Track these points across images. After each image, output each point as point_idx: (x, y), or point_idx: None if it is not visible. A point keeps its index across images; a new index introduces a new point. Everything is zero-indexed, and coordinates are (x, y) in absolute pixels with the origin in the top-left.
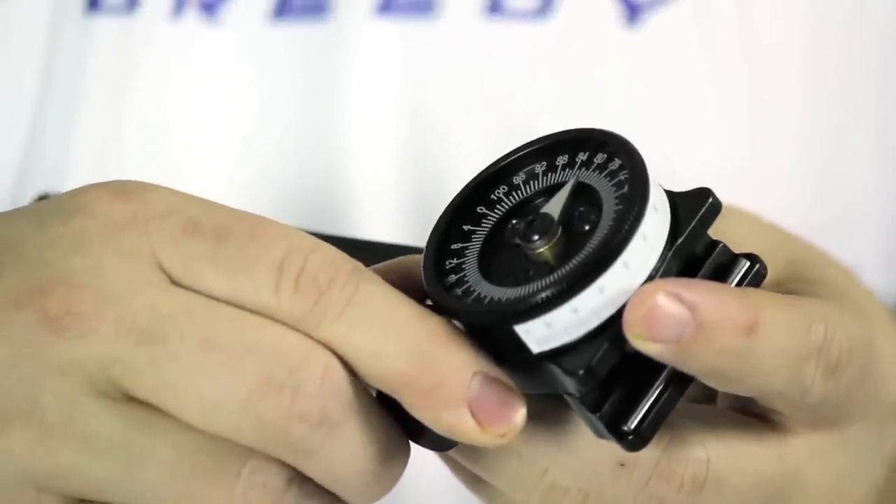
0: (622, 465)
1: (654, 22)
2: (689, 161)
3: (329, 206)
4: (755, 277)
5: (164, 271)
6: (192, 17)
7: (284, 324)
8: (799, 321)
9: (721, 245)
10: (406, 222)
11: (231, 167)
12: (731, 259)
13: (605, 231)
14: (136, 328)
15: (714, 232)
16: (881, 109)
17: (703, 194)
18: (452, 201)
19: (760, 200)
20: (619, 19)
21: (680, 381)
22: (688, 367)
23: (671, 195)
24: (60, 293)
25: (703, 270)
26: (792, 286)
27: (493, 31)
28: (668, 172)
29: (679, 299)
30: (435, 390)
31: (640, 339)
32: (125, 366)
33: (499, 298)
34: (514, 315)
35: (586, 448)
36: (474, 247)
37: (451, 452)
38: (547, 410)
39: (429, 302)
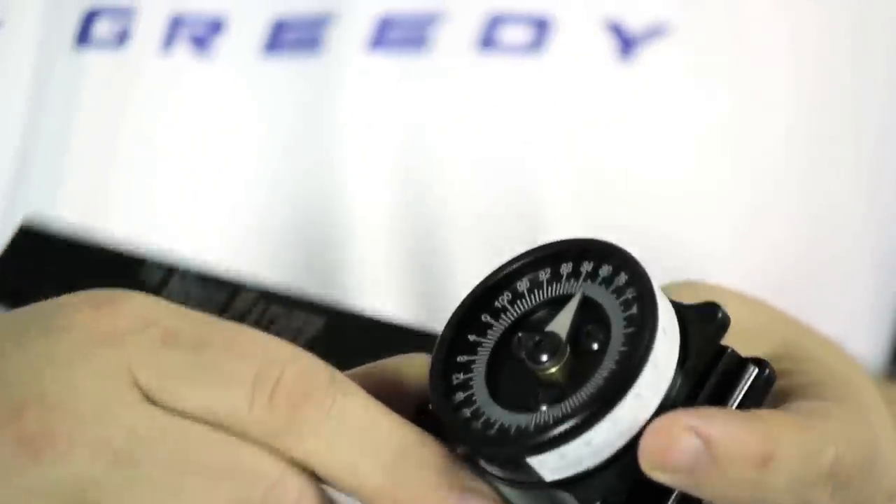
0: None
1: (648, 55)
2: (677, 189)
3: (326, 241)
4: (765, 385)
5: (141, 388)
6: (183, 50)
7: (260, 441)
8: (812, 448)
9: (729, 351)
10: (402, 259)
11: (224, 203)
12: (740, 364)
13: (616, 358)
14: (112, 450)
15: None
16: (860, 140)
17: (711, 311)
18: (457, 311)
19: (745, 232)
20: (613, 53)
21: (689, 502)
22: (700, 495)
23: (678, 308)
24: (35, 414)
25: (710, 380)
26: (783, 366)
27: (486, 66)
28: (657, 203)
29: (695, 433)
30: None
31: (656, 471)
32: (101, 488)
33: (509, 426)
34: (527, 449)
35: None
36: (481, 361)
37: None
38: None
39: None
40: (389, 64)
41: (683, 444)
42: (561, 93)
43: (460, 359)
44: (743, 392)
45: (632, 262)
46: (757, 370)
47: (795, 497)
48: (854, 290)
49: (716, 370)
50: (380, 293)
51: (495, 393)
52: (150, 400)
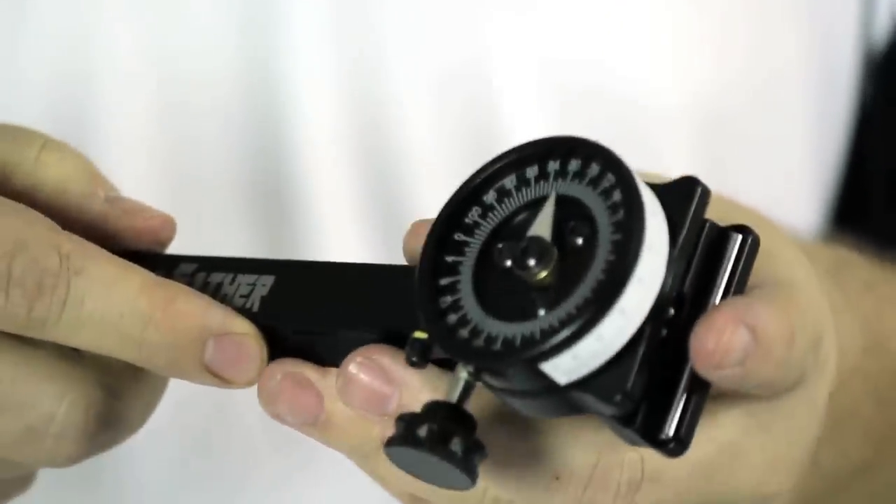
0: (557, 478)
1: None
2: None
3: (277, 180)
4: (752, 249)
5: None
6: None
7: (12, 331)
8: (808, 318)
9: (709, 223)
10: (360, 192)
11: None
12: (722, 234)
13: (609, 248)
14: None
15: None
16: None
17: (689, 184)
18: (430, 235)
19: (690, 75)
20: None
21: (702, 380)
22: (744, 386)
23: (656, 190)
24: None
25: (698, 253)
26: None
27: None
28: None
29: (745, 324)
30: (172, 366)
31: (714, 371)
32: None
33: (512, 337)
34: (539, 355)
35: (522, 465)
36: (465, 279)
37: (389, 474)
38: (481, 428)
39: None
40: None
41: (738, 339)
42: None
43: (443, 281)
44: (731, 261)
45: (603, 151)
46: (741, 237)
47: (801, 367)
48: (793, 143)
49: (701, 243)
50: (342, 235)
51: (488, 308)
52: None
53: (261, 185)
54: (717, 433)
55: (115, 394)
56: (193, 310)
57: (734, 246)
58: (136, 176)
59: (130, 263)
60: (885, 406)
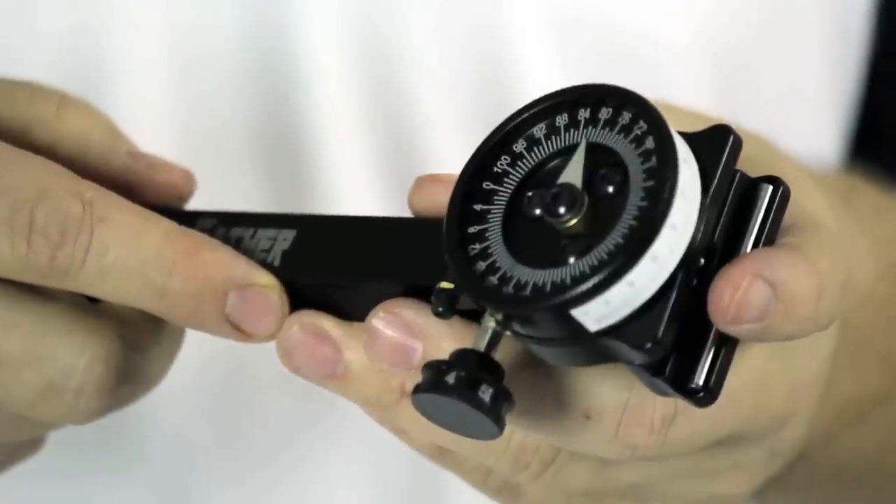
0: (588, 417)
1: None
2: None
3: (293, 144)
4: (782, 201)
5: None
6: None
7: (32, 282)
8: (840, 268)
9: (739, 174)
10: (376, 151)
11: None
12: (752, 185)
13: (641, 195)
14: None
15: None
16: None
17: (722, 133)
18: (458, 184)
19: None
20: None
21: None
22: (767, 340)
23: (688, 138)
24: None
25: (728, 204)
26: None
27: None
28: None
29: (763, 279)
30: (193, 316)
31: (732, 325)
32: None
33: (543, 283)
34: (570, 300)
35: (551, 406)
36: (494, 227)
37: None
38: (508, 376)
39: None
40: None
41: (756, 294)
42: None
43: (472, 230)
44: (762, 212)
45: (635, 98)
46: (772, 188)
47: (832, 316)
48: (810, 76)
49: (731, 195)
50: (357, 192)
51: (517, 255)
52: None
53: (276, 142)
54: (743, 361)
55: (135, 346)
56: (217, 260)
57: (765, 197)
58: (150, 133)
59: (153, 213)
60: None
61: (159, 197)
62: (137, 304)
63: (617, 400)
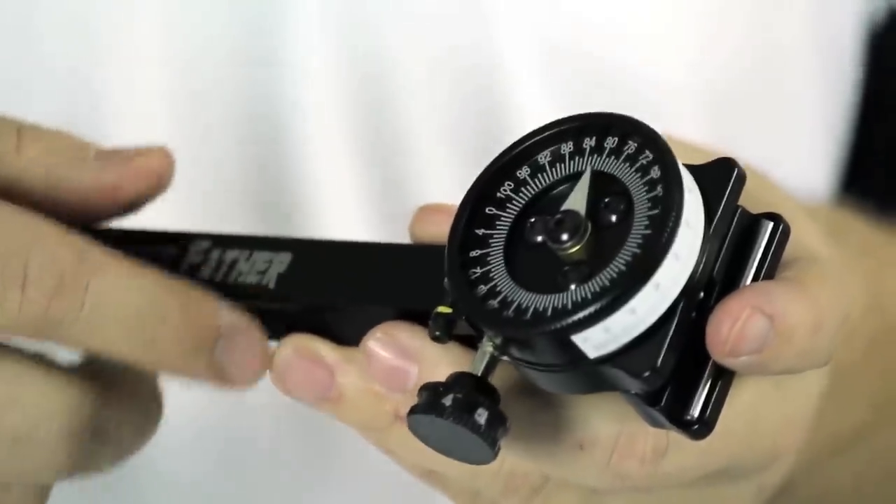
0: (581, 447)
1: None
2: (630, 26)
3: (281, 174)
4: (782, 238)
5: None
6: None
7: (24, 334)
8: (840, 303)
9: (740, 209)
10: (365, 173)
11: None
12: (753, 221)
13: (646, 223)
14: None
15: None
16: None
17: (726, 166)
18: (461, 208)
19: (692, 41)
20: None
21: None
22: (764, 373)
23: (693, 171)
24: None
25: (729, 238)
26: None
27: None
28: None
29: (762, 312)
30: (181, 364)
31: (729, 358)
32: None
33: (543, 308)
34: (570, 327)
35: (545, 435)
36: (496, 251)
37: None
38: (503, 401)
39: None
40: None
41: (754, 327)
42: None
43: (474, 253)
44: (762, 248)
45: (642, 128)
46: (772, 224)
47: (830, 350)
48: (802, 112)
49: (732, 230)
50: (346, 216)
51: (519, 280)
52: None
53: (263, 168)
54: (735, 397)
55: (108, 404)
56: (206, 309)
57: (765, 233)
58: None
59: (143, 263)
60: (884, 369)
61: (143, 190)
62: (127, 354)
63: (610, 430)
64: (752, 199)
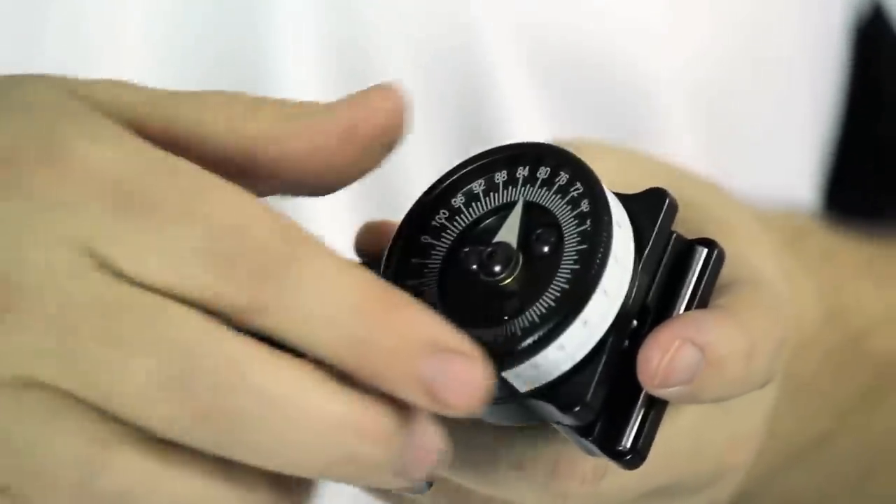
0: (521, 468)
1: None
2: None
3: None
4: (716, 264)
5: (96, 257)
6: None
7: (224, 315)
8: (775, 328)
9: (675, 235)
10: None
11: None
12: (688, 247)
13: (575, 257)
14: (59, 323)
15: None
16: None
17: (658, 196)
18: (396, 237)
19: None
20: None
21: None
22: (697, 402)
23: (624, 200)
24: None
25: (663, 265)
26: None
27: None
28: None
29: (692, 343)
30: (384, 371)
31: (660, 388)
32: (46, 360)
33: (476, 340)
34: (503, 363)
35: (483, 458)
36: (430, 282)
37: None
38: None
39: None
40: None
41: (684, 358)
42: None
43: (410, 282)
44: (696, 275)
45: (572, 160)
46: (706, 251)
47: (767, 375)
48: (792, 109)
49: (666, 256)
50: (332, 211)
51: (451, 312)
52: (108, 269)
53: None
54: (678, 418)
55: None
56: (420, 319)
57: (699, 260)
58: None
59: (352, 260)
60: (843, 377)
61: (382, 130)
62: (327, 352)
63: (549, 452)
64: (700, 211)
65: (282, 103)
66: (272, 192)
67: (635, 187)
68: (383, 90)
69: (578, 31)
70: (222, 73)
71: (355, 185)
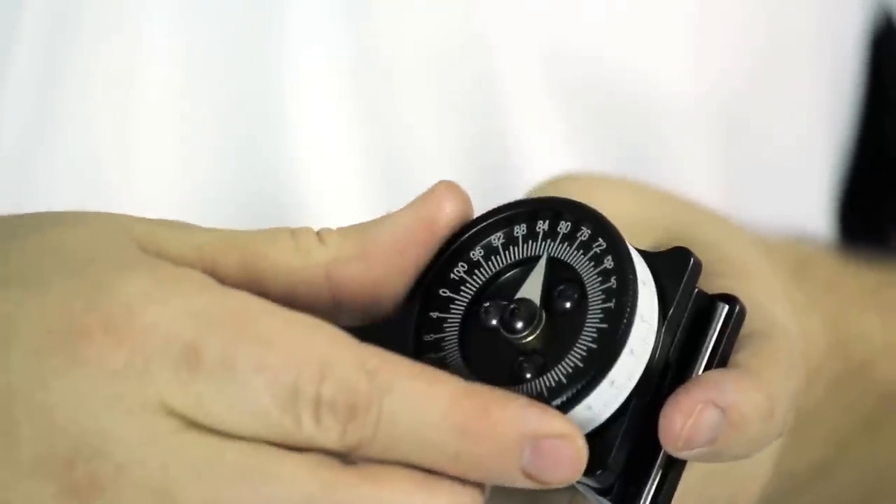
0: None
1: None
2: (630, 26)
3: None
4: (737, 321)
5: (178, 415)
6: None
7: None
8: (791, 382)
9: (697, 290)
10: (366, 182)
11: (169, 154)
12: (709, 303)
13: (600, 316)
14: (154, 487)
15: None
16: None
17: (682, 256)
18: (414, 289)
19: (695, 63)
20: None
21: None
22: (718, 461)
23: (648, 258)
24: (80, 464)
25: (684, 322)
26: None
27: None
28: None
29: (714, 405)
30: (489, 474)
31: (682, 451)
32: None
33: None
34: None
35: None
36: (451, 337)
37: None
38: None
39: None
40: None
41: (706, 420)
42: None
43: (428, 337)
44: (717, 332)
45: (593, 215)
46: (727, 308)
47: (784, 427)
48: (804, 119)
49: (687, 313)
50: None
51: (473, 368)
52: (192, 425)
53: (259, 166)
54: (690, 467)
55: None
56: (508, 417)
57: (720, 317)
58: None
59: (436, 371)
60: (847, 406)
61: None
62: (431, 466)
63: (562, 497)
64: (714, 254)
65: (345, 229)
66: (346, 322)
67: (647, 222)
68: (441, 188)
69: (601, 59)
70: (238, 84)
71: (373, 190)
